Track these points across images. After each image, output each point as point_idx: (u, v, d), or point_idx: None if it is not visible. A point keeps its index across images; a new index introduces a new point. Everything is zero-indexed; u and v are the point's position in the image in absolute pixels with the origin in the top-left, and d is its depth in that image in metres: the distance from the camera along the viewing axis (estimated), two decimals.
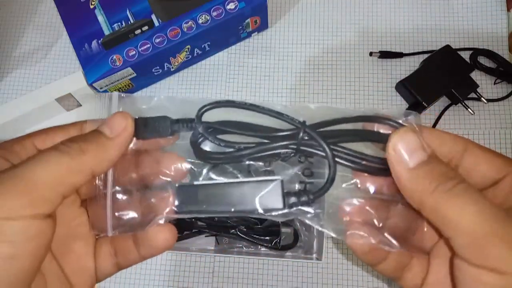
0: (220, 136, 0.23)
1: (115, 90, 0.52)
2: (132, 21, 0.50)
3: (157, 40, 0.49)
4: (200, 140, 0.24)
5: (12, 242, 0.16)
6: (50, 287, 0.20)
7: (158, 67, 0.52)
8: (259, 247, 0.47)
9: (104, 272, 0.24)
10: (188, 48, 0.52)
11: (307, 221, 0.23)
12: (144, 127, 0.23)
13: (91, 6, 0.51)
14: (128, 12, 0.50)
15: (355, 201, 0.22)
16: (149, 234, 0.22)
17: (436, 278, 0.21)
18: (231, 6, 0.49)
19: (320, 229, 0.23)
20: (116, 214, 0.22)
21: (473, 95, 0.51)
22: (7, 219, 0.16)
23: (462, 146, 0.20)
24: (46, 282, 0.20)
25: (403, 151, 0.19)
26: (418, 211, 0.19)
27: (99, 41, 0.50)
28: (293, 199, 0.23)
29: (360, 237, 0.21)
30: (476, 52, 0.53)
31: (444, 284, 0.20)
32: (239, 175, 0.24)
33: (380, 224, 0.22)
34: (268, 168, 0.24)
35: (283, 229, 0.47)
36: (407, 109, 0.52)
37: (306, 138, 0.23)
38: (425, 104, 0.50)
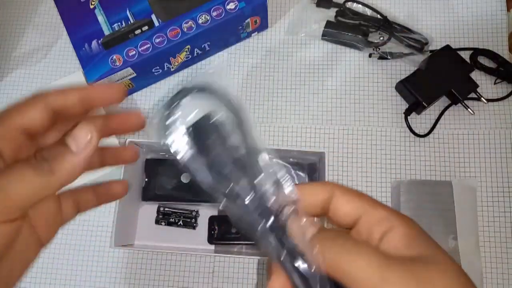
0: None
1: None
2: (132, 21, 0.50)
3: (157, 40, 0.49)
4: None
5: None
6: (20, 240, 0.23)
7: (158, 67, 0.52)
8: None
9: (66, 219, 0.26)
10: (188, 48, 0.52)
11: None
12: None
13: (91, 6, 0.51)
14: (128, 12, 0.50)
15: None
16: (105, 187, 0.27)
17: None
18: (231, 6, 0.49)
19: None
20: None
21: (473, 95, 0.51)
22: None
23: (329, 191, 0.23)
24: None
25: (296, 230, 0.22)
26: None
27: (99, 41, 0.50)
28: None
29: None
30: (476, 52, 0.53)
31: None
32: None
33: None
34: None
35: None
36: (407, 109, 0.52)
37: None
38: (425, 104, 0.50)
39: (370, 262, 0.19)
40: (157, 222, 0.50)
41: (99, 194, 0.27)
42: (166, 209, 0.50)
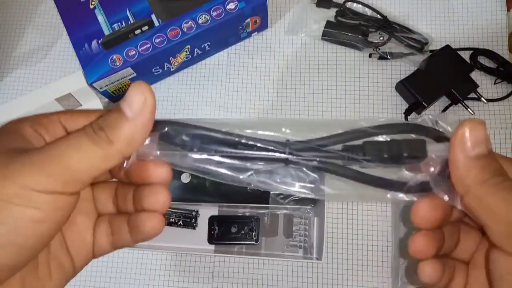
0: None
1: (115, 90, 0.52)
2: (132, 21, 0.50)
3: (157, 40, 0.49)
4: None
5: (42, 210, 0.19)
6: (53, 253, 0.23)
7: (158, 67, 0.52)
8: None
9: (100, 249, 0.25)
10: (188, 48, 0.52)
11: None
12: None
13: (91, 6, 0.51)
14: (128, 12, 0.50)
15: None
16: (138, 221, 0.24)
17: (476, 286, 0.23)
18: (231, 6, 0.49)
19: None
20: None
21: (473, 95, 0.51)
22: (40, 192, 0.19)
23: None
24: (50, 248, 0.23)
25: (469, 139, 0.20)
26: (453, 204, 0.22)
27: (99, 41, 0.50)
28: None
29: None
30: (476, 52, 0.53)
31: None
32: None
33: None
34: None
35: None
36: (407, 109, 0.52)
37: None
38: (425, 104, 0.50)
39: None
40: None
41: (132, 228, 0.25)
42: None
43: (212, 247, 0.49)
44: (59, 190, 0.19)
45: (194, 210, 0.50)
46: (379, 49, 0.54)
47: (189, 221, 0.50)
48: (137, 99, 0.21)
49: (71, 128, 0.22)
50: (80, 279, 0.49)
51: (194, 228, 0.50)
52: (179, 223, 0.50)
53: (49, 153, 0.19)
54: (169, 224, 0.50)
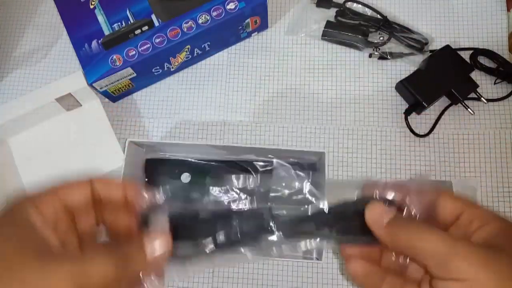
0: None
1: (115, 90, 0.52)
2: (132, 21, 0.50)
3: (157, 40, 0.49)
4: None
5: None
6: None
7: (158, 67, 0.52)
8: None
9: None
10: (188, 48, 0.52)
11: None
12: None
13: (91, 6, 0.51)
14: (128, 12, 0.50)
15: None
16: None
17: None
18: (231, 6, 0.49)
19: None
20: None
21: (473, 95, 0.51)
22: None
23: (435, 194, 0.27)
24: None
25: (376, 217, 0.26)
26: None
27: (99, 41, 0.50)
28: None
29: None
30: (476, 52, 0.53)
31: None
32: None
33: None
34: None
35: None
36: (407, 109, 0.52)
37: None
38: (425, 104, 0.50)
39: (441, 238, 0.23)
40: None
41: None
42: None
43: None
44: None
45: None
46: (379, 49, 0.54)
47: None
48: (159, 248, 0.24)
49: (68, 202, 0.25)
50: None
51: None
52: None
53: (77, 263, 0.21)
54: None
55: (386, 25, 0.54)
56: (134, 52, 0.49)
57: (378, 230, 0.26)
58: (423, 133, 0.51)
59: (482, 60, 0.53)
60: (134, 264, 0.24)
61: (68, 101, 0.52)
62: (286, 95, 0.54)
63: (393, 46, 0.54)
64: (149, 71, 0.52)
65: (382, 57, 0.54)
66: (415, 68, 0.52)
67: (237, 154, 0.49)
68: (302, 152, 0.47)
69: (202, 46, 0.53)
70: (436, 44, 0.54)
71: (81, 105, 0.54)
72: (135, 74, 0.51)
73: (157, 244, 0.24)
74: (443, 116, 0.52)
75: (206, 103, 0.55)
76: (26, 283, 0.20)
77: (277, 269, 0.49)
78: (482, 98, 0.51)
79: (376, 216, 0.26)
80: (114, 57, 0.49)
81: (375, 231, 0.26)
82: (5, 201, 0.23)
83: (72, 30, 0.50)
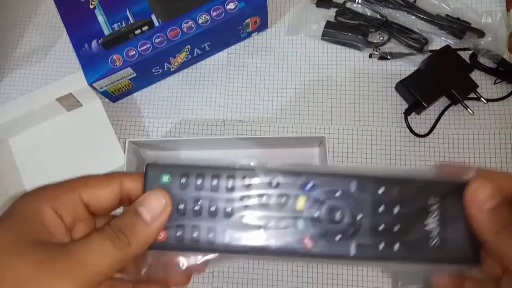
0: None
1: (115, 90, 0.52)
2: (132, 21, 0.50)
3: (157, 40, 0.49)
4: None
5: None
6: None
7: (158, 67, 0.52)
8: None
9: None
10: (188, 48, 0.52)
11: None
12: None
13: (91, 6, 0.51)
14: (128, 12, 0.50)
15: None
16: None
17: None
18: (231, 6, 0.49)
19: None
20: None
21: (473, 95, 0.51)
22: None
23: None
24: None
25: (481, 196, 0.22)
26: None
27: (99, 41, 0.50)
28: None
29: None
30: (476, 52, 0.53)
31: None
32: None
33: None
34: None
35: None
36: (406, 109, 0.52)
37: None
38: (425, 104, 0.50)
39: None
40: None
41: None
42: None
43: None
44: None
45: None
46: (379, 49, 0.54)
47: None
48: (156, 206, 0.22)
49: (93, 204, 0.23)
50: None
51: None
52: None
53: (73, 257, 0.20)
54: None
55: (386, 25, 0.54)
56: (134, 52, 0.49)
57: (475, 213, 0.22)
58: (423, 133, 0.51)
59: (482, 60, 0.53)
60: (134, 235, 0.22)
61: (69, 101, 0.52)
62: (286, 95, 0.54)
63: (393, 46, 0.54)
64: (149, 71, 0.52)
65: (382, 57, 0.54)
66: (415, 68, 0.52)
67: (235, 147, 0.49)
68: (301, 139, 0.47)
69: (202, 46, 0.53)
70: (436, 44, 0.54)
71: (81, 105, 0.54)
72: (135, 74, 0.51)
73: (153, 203, 0.22)
74: (443, 116, 0.52)
75: (206, 103, 0.55)
76: (19, 283, 0.19)
77: (277, 269, 0.49)
78: (482, 98, 0.51)
79: (477, 198, 0.22)
80: (114, 57, 0.49)
81: (472, 214, 0.22)
82: (9, 200, 0.23)
83: (72, 30, 0.50)
